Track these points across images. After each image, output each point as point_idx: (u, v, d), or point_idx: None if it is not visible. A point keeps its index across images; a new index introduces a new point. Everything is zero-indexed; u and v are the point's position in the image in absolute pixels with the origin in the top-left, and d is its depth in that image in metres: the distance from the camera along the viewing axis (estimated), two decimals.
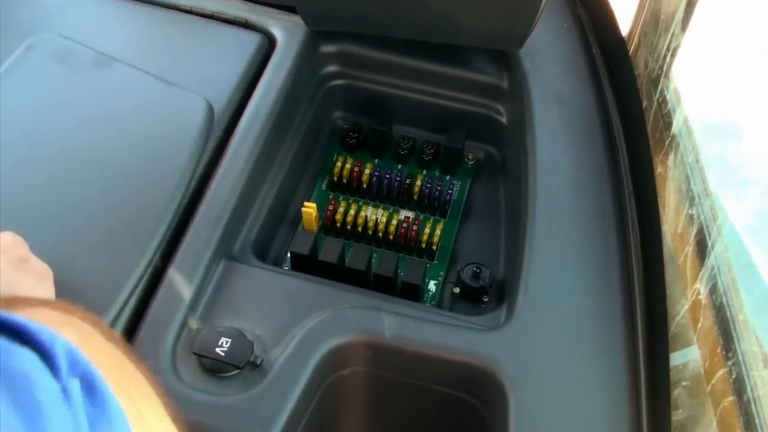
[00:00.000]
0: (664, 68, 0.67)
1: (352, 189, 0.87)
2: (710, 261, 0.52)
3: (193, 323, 0.70)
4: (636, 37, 0.80)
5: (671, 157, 0.61)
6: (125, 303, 0.65)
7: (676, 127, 0.60)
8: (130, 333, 0.65)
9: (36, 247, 0.60)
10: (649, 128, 0.69)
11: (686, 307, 0.55)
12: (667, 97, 0.63)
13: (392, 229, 0.82)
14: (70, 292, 0.63)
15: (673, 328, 0.58)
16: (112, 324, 0.64)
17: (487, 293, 0.80)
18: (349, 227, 0.83)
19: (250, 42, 0.84)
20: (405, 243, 0.82)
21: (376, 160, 0.90)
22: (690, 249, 0.56)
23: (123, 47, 0.82)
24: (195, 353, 0.66)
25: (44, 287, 0.54)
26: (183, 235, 0.71)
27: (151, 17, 0.88)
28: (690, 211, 0.55)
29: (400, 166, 0.90)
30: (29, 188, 0.69)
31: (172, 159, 0.73)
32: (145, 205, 0.70)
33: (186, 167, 0.72)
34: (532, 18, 0.74)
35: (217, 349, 0.68)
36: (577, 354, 0.65)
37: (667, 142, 0.63)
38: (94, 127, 0.74)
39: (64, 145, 0.73)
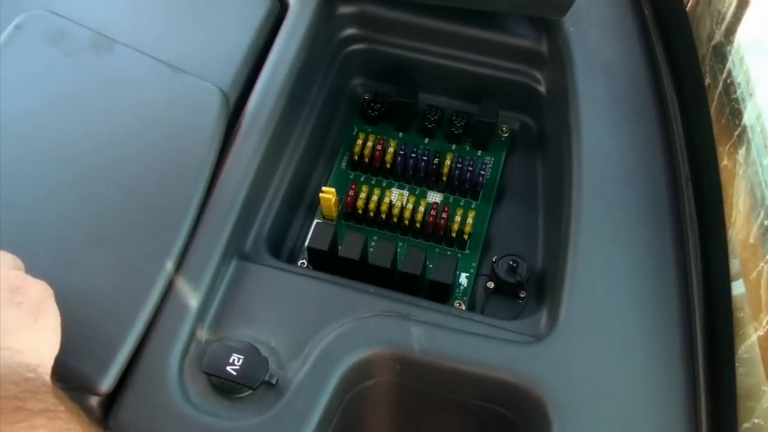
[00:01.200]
0: (733, 38, 0.58)
1: (374, 168, 0.78)
2: None
3: (202, 335, 0.64)
4: None
5: (741, 151, 0.52)
6: (138, 323, 0.59)
7: (747, 119, 0.50)
8: (135, 350, 0.58)
9: (34, 264, 0.52)
10: (712, 110, 0.60)
11: (758, 333, 0.47)
12: (737, 80, 0.53)
13: (419, 216, 0.73)
14: (77, 316, 0.57)
15: (741, 352, 0.51)
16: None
17: (524, 288, 0.72)
18: (371, 214, 0.75)
19: (259, 5, 0.75)
20: (433, 231, 0.74)
21: (400, 134, 0.82)
22: (766, 267, 0.47)
23: (119, 15, 0.73)
24: (204, 372, 0.59)
25: (43, 320, 0.47)
26: (190, 234, 0.63)
27: None
28: (766, 222, 0.47)
29: (426, 141, 0.81)
30: (23, 195, 0.62)
31: (185, 160, 0.64)
32: (158, 213, 0.62)
33: (201, 170, 0.63)
34: None
35: (229, 368, 0.61)
36: (628, 372, 0.58)
37: (735, 133, 0.54)
38: (94, 124, 0.66)
39: (60, 144, 0.64)
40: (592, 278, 0.63)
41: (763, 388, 0.51)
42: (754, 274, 0.53)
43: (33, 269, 0.53)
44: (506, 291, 0.72)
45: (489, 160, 0.79)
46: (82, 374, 0.56)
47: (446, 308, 0.67)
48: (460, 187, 0.77)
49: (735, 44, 0.60)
